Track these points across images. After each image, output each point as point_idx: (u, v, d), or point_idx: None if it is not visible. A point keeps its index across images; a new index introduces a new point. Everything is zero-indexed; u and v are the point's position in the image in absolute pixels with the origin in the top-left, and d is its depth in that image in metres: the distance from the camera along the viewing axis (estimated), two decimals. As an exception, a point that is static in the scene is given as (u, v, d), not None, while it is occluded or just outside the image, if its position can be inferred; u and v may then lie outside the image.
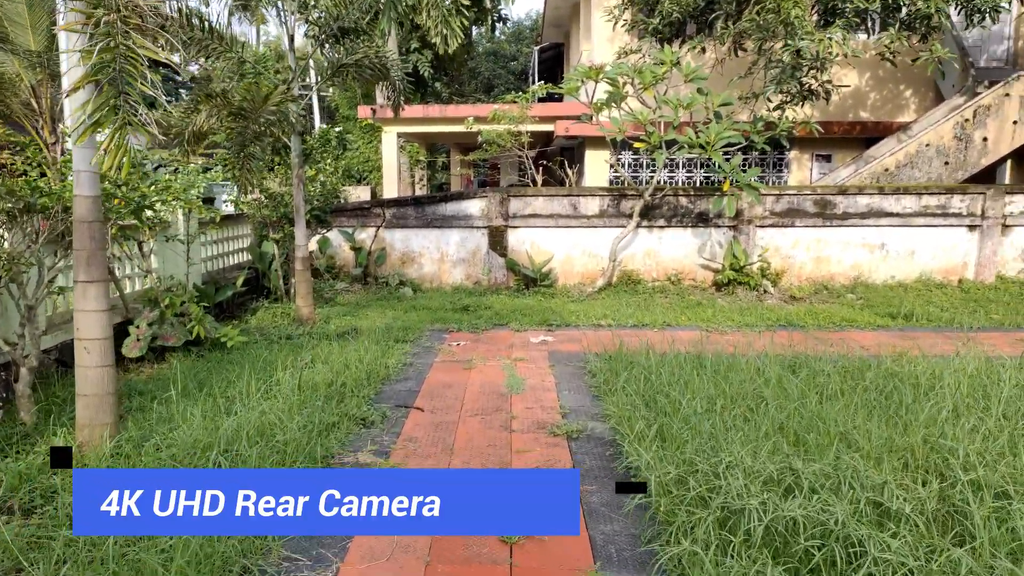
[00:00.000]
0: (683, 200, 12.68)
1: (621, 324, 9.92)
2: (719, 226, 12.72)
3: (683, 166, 16.05)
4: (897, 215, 12.58)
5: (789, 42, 10.46)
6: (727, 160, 10.66)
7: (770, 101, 13.28)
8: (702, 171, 16.04)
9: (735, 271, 12.30)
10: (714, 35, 11.77)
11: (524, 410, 6.18)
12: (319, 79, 9.46)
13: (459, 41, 7.97)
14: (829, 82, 11.91)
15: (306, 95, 9.41)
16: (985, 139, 13.59)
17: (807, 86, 12.09)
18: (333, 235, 13.02)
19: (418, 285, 12.92)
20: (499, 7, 24.95)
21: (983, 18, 11.43)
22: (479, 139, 15.49)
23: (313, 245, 13.02)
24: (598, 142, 15.82)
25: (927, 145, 13.55)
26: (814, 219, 12.63)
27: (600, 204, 12.74)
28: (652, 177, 15.87)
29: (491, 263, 12.92)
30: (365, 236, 13.05)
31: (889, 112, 15.80)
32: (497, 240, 12.86)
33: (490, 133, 14.96)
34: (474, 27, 26.19)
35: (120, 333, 7.76)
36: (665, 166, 15.93)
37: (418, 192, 21.46)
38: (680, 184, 15.76)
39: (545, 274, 12.71)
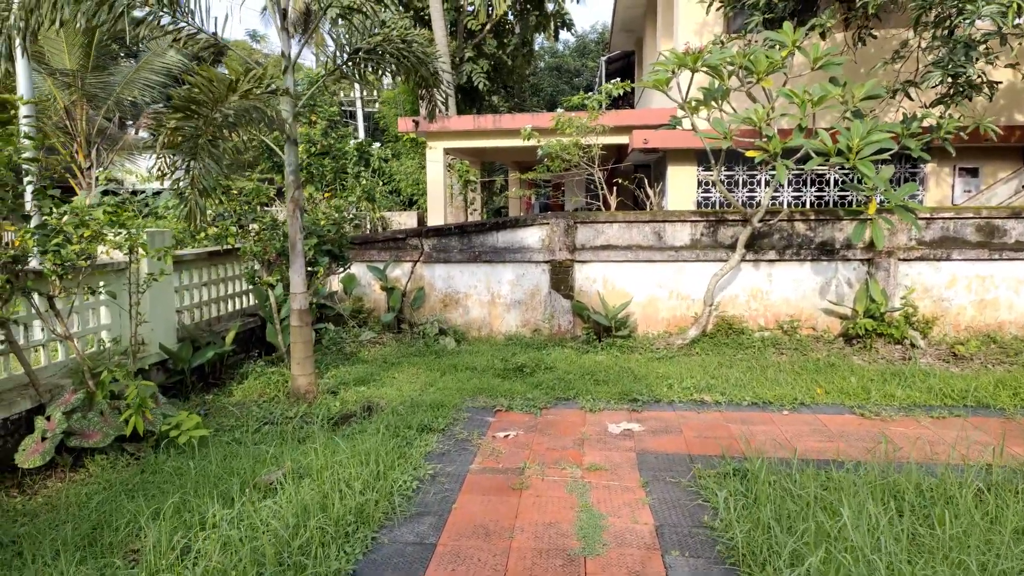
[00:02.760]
0: (800, 226, 9.87)
1: (733, 401, 7.17)
2: (848, 259, 9.84)
3: (790, 183, 13.18)
4: (1091, 244, 9.47)
5: (969, 6, 7.58)
6: (876, 172, 7.82)
7: (910, 99, 10.36)
8: (812, 189, 13.13)
9: (873, 318, 9.38)
10: (853, 8, 8.94)
11: (610, 603, 3.56)
12: (328, 68, 7.14)
13: (508, 4, 5.52)
14: (1016, 64, 8.93)
15: (304, 94, 7.09)
16: None
17: (965, 78, 9.14)
18: (361, 272, 10.69)
19: (463, 334, 10.43)
20: (564, 13, 22.53)
21: None
22: (539, 154, 12.98)
23: (337, 284, 10.72)
24: (683, 156, 13.12)
25: (1124, 152, 10.39)
26: (977, 250, 9.62)
27: (692, 232, 10.03)
28: (751, 198, 13.07)
29: (554, 306, 10.34)
30: (400, 273, 10.67)
31: (1054, 113, 12.61)
32: (561, 278, 10.27)
33: (553, 146, 12.41)
34: (536, 35, 23.84)
35: (30, 425, 5.52)
36: (770, 183, 13.09)
37: (472, 218, 19.10)
38: (787, 205, 12.91)
39: (622, 321, 10.04)
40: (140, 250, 5.88)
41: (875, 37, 10.75)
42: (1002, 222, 9.57)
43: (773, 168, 8.18)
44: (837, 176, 13.02)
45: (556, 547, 4.12)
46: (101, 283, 6.43)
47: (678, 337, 9.81)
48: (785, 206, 12.81)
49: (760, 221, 9.49)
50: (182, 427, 5.64)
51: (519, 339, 10.20)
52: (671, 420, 6.60)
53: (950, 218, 9.64)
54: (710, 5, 11.10)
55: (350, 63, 7.22)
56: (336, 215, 8.85)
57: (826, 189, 13.09)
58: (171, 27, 6.19)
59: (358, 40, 7.04)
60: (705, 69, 8.29)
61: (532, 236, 10.30)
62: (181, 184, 5.39)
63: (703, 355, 9.17)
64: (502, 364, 8.64)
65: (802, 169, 8.48)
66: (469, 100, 21.59)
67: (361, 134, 22.09)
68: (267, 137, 6.89)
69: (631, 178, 14.11)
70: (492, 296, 10.53)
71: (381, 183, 16.40)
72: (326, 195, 9.15)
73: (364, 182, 10.69)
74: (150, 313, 6.90)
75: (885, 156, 7.96)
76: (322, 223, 8.41)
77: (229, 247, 8.02)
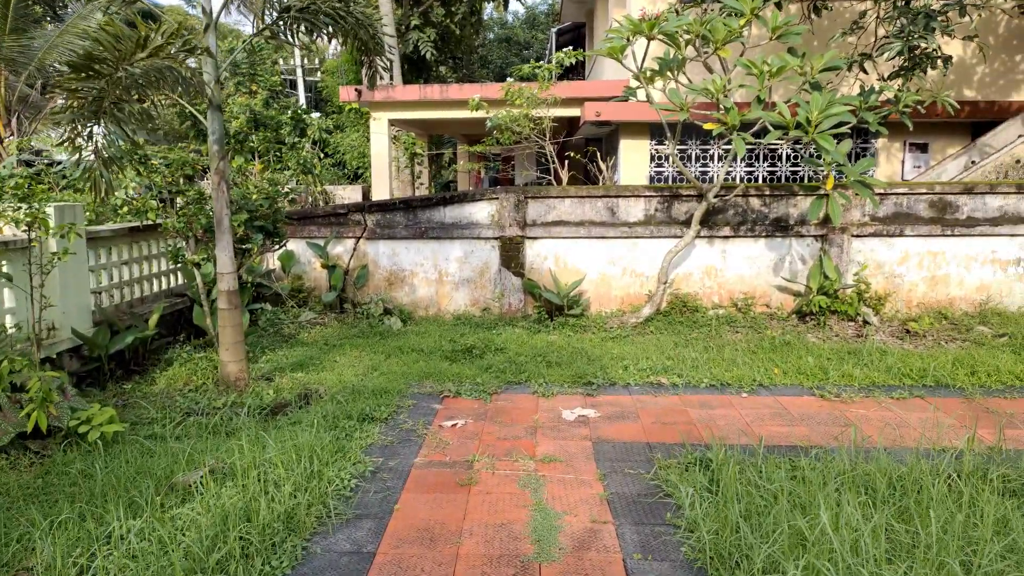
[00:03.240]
0: (755, 202, 9.65)
1: (691, 383, 6.90)
2: (802, 236, 9.69)
3: (743, 158, 12.99)
4: (1039, 220, 9.49)
5: (931, -25, 7.40)
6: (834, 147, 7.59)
7: (865, 72, 10.22)
8: (765, 164, 12.97)
9: (826, 295, 9.25)
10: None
11: (568, 618, 3.22)
12: (254, 28, 6.54)
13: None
14: (975, 36, 8.81)
15: (230, 56, 6.49)
16: None
17: (922, 50, 9.00)
18: (301, 249, 10.10)
19: (410, 314, 9.96)
20: (513, -19, 21.85)
21: None
22: (488, 126, 12.48)
23: (274, 263, 10.12)
24: (637, 129, 12.80)
25: (1071, 129, 10.45)
26: (929, 226, 9.56)
27: (646, 208, 9.73)
28: (704, 173, 12.84)
29: (504, 284, 9.95)
30: (342, 250, 10.11)
31: (1002, 90, 12.65)
32: (511, 255, 9.87)
33: (503, 118, 11.94)
34: (485, 5, 23.15)
35: (-84, 421, 4.89)
36: (724, 158, 12.88)
37: (419, 192, 18.47)
38: (740, 180, 12.72)
39: (574, 299, 9.72)
40: (38, 230, 5.25)
41: (829, 9, 10.54)
42: (954, 198, 9.52)
43: (728, 142, 7.91)
44: (790, 150, 12.88)
45: (508, 552, 3.75)
46: (3, 263, 5.78)
47: (632, 315, 9.53)
48: (738, 181, 12.63)
49: (716, 196, 9.23)
50: (93, 421, 5.09)
51: (468, 318, 9.80)
52: (628, 405, 6.30)
53: (904, 194, 9.54)
54: (665, -29, 10.74)
55: (281, 22, 6.62)
56: (270, 189, 8.24)
57: (778, 164, 12.96)
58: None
59: (290, -4, 6.44)
60: (661, 37, 7.92)
61: (481, 211, 9.86)
62: (83, 153, 4.79)
63: (658, 334, 8.92)
64: (450, 346, 8.23)
65: (756, 143, 8.22)
66: (416, 70, 20.86)
67: (302, 104, 21.18)
68: (191, 103, 6.27)
69: (583, 152, 13.77)
70: (440, 274, 10.08)
71: (323, 155, 15.63)
72: (258, 167, 8.50)
73: (303, 153, 10.03)
74: (60, 295, 6.27)
75: (843, 130, 7.75)
76: (254, 197, 7.82)
77: (151, 223, 7.37)
